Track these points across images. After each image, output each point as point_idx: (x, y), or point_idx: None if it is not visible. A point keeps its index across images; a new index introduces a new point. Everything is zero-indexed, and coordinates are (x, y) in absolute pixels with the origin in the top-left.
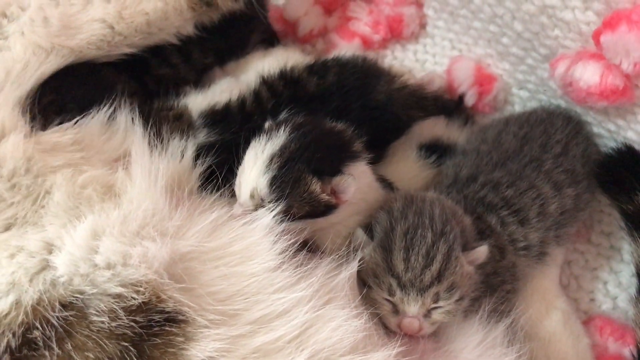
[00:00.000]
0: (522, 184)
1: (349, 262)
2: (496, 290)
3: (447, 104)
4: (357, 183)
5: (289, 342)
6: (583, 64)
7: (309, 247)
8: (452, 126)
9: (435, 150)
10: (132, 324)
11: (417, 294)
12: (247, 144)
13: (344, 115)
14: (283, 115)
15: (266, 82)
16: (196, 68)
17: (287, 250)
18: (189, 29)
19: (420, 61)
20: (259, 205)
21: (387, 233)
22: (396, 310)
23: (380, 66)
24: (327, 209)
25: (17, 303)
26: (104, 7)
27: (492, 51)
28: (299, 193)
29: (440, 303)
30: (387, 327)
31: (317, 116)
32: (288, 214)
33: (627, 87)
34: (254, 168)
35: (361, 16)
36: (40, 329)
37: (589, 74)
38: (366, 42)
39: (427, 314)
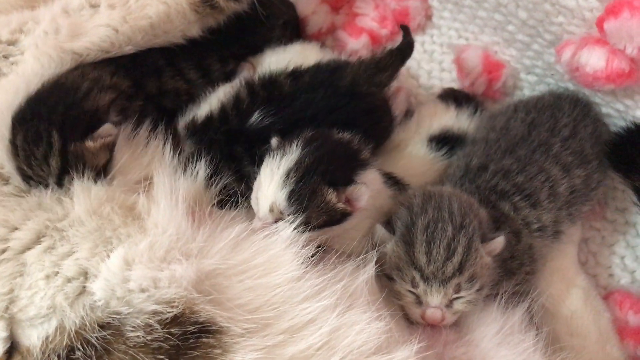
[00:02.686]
0: (532, 169)
1: (366, 266)
2: (515, 273)
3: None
4: (370, 190)
5: (319, 350)
6: (588, 49)
7: (325, 250)
8: (461, 116)
9: (446, 142)
10: (168, 336)
11: (439, 285)
12: (226, 145)
13: (313, 107)
14: (256, 116)
15: (247, 84)
16: (215, 80)
17: (309, 260)
18: (194, 32)
19: (429, 52)
20: (278, 218)
21: (409, 227)
22: (419, 302)
23: (348, 60)
24: (342, 217)
25: (61, 327)
26: (109, 13)
27: (498, 39)
28: (317, 204)
29: (462, 293)
30: (410, 318)
31: (324, 128)
32: (306, 225)
33: (633, 70)
34: (272, 183)
35: (367, 12)
36: (82, 350)
37: (594, 59)
38: (374, 38)
39: (449, 304)
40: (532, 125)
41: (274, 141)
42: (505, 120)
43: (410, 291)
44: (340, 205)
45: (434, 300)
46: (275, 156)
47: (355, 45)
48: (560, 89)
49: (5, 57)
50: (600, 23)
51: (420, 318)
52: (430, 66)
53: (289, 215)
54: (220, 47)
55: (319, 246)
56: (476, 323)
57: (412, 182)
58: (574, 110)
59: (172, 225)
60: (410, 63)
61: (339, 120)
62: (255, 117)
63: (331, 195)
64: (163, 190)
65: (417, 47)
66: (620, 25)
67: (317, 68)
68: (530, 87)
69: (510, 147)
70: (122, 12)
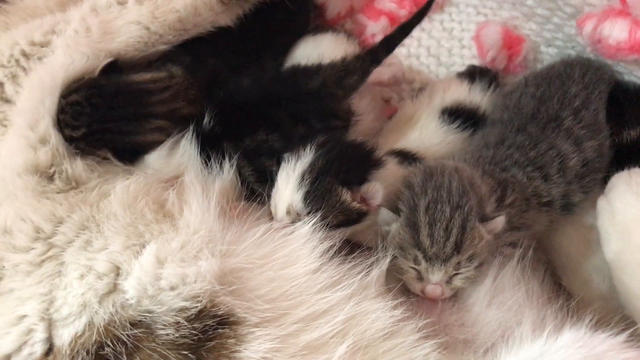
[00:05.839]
0: (542, 146)
1: (382, 257)
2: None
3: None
4: (385, 188)
5: (332, 338)
6: (611, 21)
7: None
8: (474, 90)
9: (458, 115)
10: (192, 331)
11: (440, 264)
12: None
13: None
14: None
15: None
16: None
17: (327, 253)
18: (222, 22)
19: (448, 30)
20: (296, 220)
21: (412, 210)
22: (420, 277)
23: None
24: (359, 217)
25: (90, 324)
26: (138, 9)
27: (517, 13)
28: (332, 204)
29: (461, 270)
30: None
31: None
32: (325, 225)
33: None
34: (288, 186)
35: None
36: (112, 346)
37: (617, 31)
38: (393, 19)
39: (449, 280)
40: (542, 100)
41: (285, 156)
42: (517, 98)
43: (412, 267)
44: (356, 204)
45: (435, 277)
46: (290, 161)
47: (375, 28)
48: (571, 56)
49: (40, 59)
50: None
51: (421, 292)
52: (450, 44)
53: (305, 216)
54: (256, 50)
55: (345, 241)
56: (469, 288)
57: (426, 156)
58: (585, 76)
59: (204, 227)
60: (430, 42)
61: (283, 113)
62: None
63: (346, 195)
64: (195, 192)
65: (437, 25)
66: None
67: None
68: (551, 59)
69: (522, 125)
70: (150, 6)
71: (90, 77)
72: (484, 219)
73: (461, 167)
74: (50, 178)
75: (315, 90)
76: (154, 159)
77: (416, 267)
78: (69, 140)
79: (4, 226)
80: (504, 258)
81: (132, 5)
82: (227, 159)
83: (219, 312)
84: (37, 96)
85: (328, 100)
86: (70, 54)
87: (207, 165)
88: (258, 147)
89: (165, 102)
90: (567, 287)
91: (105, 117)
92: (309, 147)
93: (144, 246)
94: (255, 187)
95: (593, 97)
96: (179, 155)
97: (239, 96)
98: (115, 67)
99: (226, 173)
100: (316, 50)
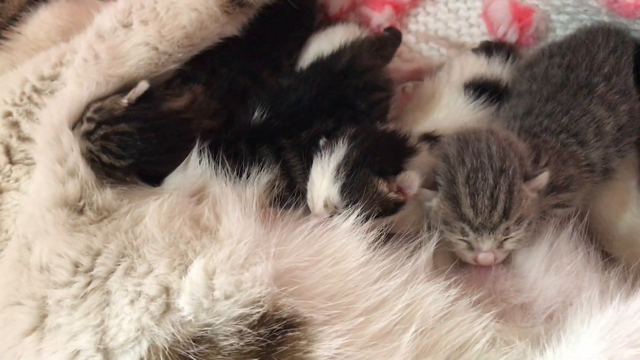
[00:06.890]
0: (576, 112)
1: (430, 239)
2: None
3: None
4: (421, 176)
5: (396, 325)
6: None
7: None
8: (493, 63)
9: (483, 89)
10: (258, 337)
11: (489, 233)
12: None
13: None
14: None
15: None
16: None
17: (374, 244)
18: (228, 32)
19: (453, 10)
20: (333, 213)
21: (450, 182)
22: (471, 247)
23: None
24: (396, 207)
25: (154, 347)
26: (144, 30)
27: None
28: (369, 195)
29: (512, 234)
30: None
31: (366, 124)
32: (364, 216)
33: None
34: (324, 180)
35: None
36: None
37: None
38: (397, 7)
39: (500, 245)
40: (570, 69)
41: (321, 142)
42: (544, 69)
43: (461, 239)
44: (392, 195)
45: (485, 246)
46: (324, 155)
47: (380, 19)
48: (589, 24)
49: (52, 92)
50: None
51: (474, 261)
52: (458, 24)
53: (342, 208)
54: (269, 52)
55: (385, 229)
56: (524, 255)
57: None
58: (609, 40)
59: (248, 233)
60: (437, 25)
61: (330, 101)
62: (257, 113)
63: (382, 186)
64: (231, 200)
65: (441, 7)
66: None
67: (318, 57)
68: (562, 26)
69: (551, 94)
70: (156, 26)
71: (130, 104)
72: (527, 177)
73: (495, 129)
74: (80, 211)
75: (347, 67)
76: (173, 176)
77: (465, 238)
78: (106, 166)
79: (40, 263)
80: (556, 221)
81: (137, 27)
82: (266, 161)
83: (284, 315)
84: (54, 132)
85: (366, 74)
86: (81, 84)
87: (232, 170)
88: (313, 139)
89: (198, 124)
90: (614, 254)
91: (156, 150)
92: (341, 140)
93: (190, 263)
94: (302, 187)
95: (622, 61)
96: (193, 166)
97: (287, 97)
98: (152, 95)
99: (263, 177)
100: (331, 45)
